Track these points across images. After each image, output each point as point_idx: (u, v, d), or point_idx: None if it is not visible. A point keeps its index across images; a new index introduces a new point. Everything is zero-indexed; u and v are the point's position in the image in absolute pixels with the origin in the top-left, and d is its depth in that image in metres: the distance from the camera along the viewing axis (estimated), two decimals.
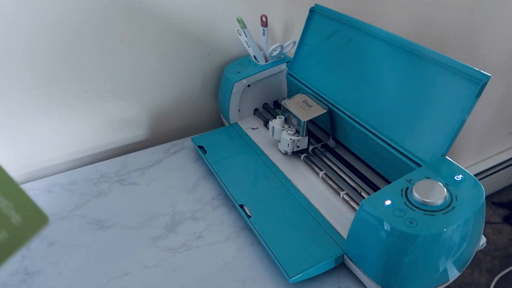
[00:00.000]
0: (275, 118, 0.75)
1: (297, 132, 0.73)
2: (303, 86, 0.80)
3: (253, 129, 0.84)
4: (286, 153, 0.76)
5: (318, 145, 0.75)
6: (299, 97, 0.76)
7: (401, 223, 0.48)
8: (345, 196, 0.65)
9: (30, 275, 0.60)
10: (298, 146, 0.74)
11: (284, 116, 0.75)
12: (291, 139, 0.73)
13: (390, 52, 0.65)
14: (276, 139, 0.76)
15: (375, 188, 0.66)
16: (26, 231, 0.26)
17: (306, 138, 0.73)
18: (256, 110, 0.89)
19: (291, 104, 0.74)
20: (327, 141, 0.76)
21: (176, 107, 0.89)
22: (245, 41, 0.83)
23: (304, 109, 0.73)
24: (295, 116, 0.72)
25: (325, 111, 0.72)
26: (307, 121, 0.71)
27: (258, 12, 0.83)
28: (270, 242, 0.60)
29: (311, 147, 0.75)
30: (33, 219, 0.26)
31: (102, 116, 0.81)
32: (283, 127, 0.74)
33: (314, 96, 0.76)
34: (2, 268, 0.53)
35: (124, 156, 0.82)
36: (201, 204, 0.71)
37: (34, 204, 0.27)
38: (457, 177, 0.53)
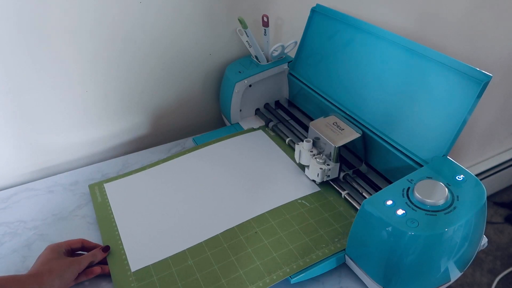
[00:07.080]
0: (302, 141, 0.68)
1: (328, 158, 0.65)
2: (304, 86, 0.80)
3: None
4: (313, 181, 0.68)
5: (350, 171, 0.67)
6: (329, 119, 0.68)
7: (402, 223, 0.48)
8: (346, 196, 0.65)
9: None
10: (329, 176, 0.66)
11: (312, 139, 0.68)
12: (321, 168, 0.64)
13: (391, 52, 0.65)
14: (303, 164, 0.69)
15: (376, 188, 0.66)
16: None
17: (338, 165, 0.65)
18: (257, 110, 0.89)
19: (321, 126, 0.66)
20: (359, 167, 0.68)
21: (177, 107, 0.89)
22: (247, 41, 0.82)
23: (336, 132, 0.65)
24: (323, 140, 0.65)
25: (359, 135, 0.64)
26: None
27: (260, 12, 0.83)
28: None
29: (342, 174, 0.67)
30: None
31: (103, 116, 0.81)
32: (311, 151, 0.66)
33: (344, 117, 0.70)
34: (3, 268, 0.53)
35: (125, 156, 0.82)
36: None
37: None
38: (458, 177, 0.53)
